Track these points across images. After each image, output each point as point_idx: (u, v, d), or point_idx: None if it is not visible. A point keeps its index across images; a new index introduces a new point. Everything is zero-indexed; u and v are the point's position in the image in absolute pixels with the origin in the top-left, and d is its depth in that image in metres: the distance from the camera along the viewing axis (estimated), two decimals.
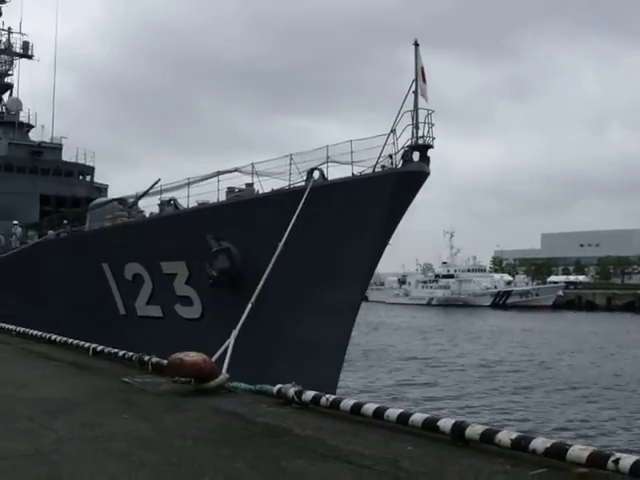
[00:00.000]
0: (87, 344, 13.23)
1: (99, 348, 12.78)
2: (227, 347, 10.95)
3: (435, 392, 27.80)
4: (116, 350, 12.22)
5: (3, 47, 47.30)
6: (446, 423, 5.95)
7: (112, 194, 38.45)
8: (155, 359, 10.68)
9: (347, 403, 7.02)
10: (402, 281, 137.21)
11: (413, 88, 15.67)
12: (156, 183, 22.49)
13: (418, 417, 6.26)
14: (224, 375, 9.11)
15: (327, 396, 7.47)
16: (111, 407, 7.87)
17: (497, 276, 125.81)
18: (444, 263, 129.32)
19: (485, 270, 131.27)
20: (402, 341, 49.45)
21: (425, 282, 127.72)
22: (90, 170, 41.52)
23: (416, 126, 15.66)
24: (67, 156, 41.77)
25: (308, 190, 16.02)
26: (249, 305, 13.15)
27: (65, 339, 14.65)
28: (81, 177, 41.06)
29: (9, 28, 49.32)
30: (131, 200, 24.42)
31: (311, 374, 14.37)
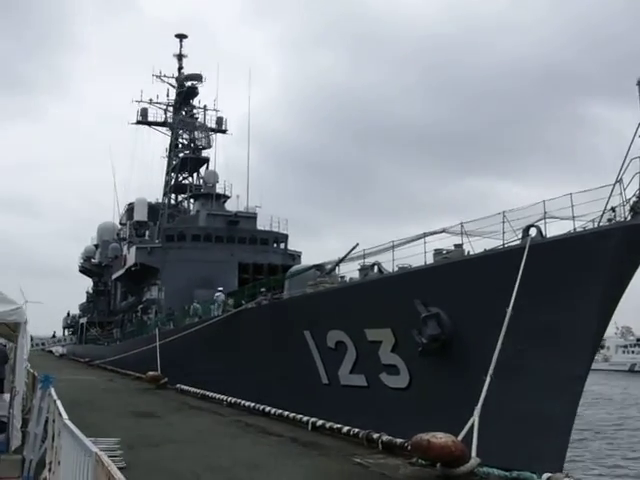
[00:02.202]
0: (305, 418, 12.62)
1: (319, 423, 12.11)
2: (472, 425, 9.78)
3: None
4: (339, 425, 11.47)
5: (200, 124, 49.87)
6: None
7: (303, 261, 38.90)
8: (386, 437, 9.81)
9: None
10: (600, 346, 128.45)
11: (639, 133, 14.20)
12: (354, 248, 22.01)
13: None
14: (475, 459, 8.06)
15: None
16: None
17: None
18: None
19: None
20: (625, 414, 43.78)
21: (626, 346, 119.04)
22: (284, 238, 42.30)
23: None
24: (261, 224, 42.92)
25: (527, 249, 14.76)
26: (488, 378, 11.88)
27: (280, 411, 14.14)
28: (275, 245, 41.81)
29: (204, 106, 52.15)
30: (329, 266, 24.03)
31: (536, 451, 13.00)
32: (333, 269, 23.81)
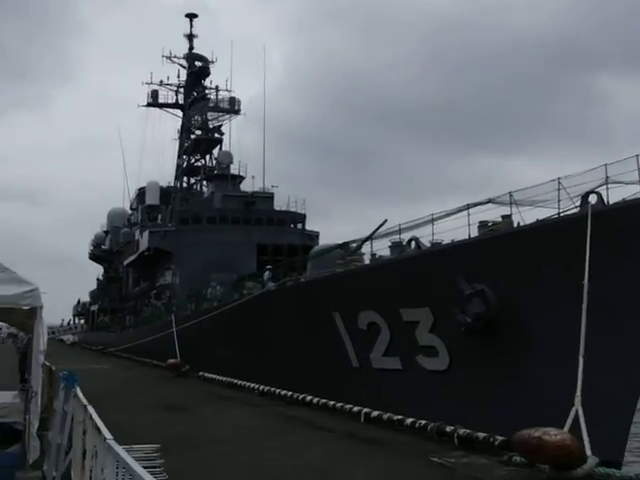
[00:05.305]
0: (356, 408, 11.33)
1: (374, 414, 10.79)
2: (576, 416, 8.39)
3: None
4: (400, 417, 10.14)
5: (212, 104, 48.68)
6: None
7: (320, 242, 37.57)
8: (463, 430, 8.47)
9: None
10: None
11: None
12: (382, 224, 20.72)
13: None
14: (593, 458, 6.72)
15: None
16: None
17: None
18: None
19: None
20: None
21: None
22: (302, 218, 41.26)
23: None
24: (277, 205, 41.91)
25: (590, 217, 13.32)
26: (581, 359, 10.46)
27: (325, 401, 12.82)
28: (293, 225, 40.68)
29: (217, 86, 50.87)
30: (354, 245, 22.71)
31: (594, 437, 11.69)
32: (360, 247, 22.49)
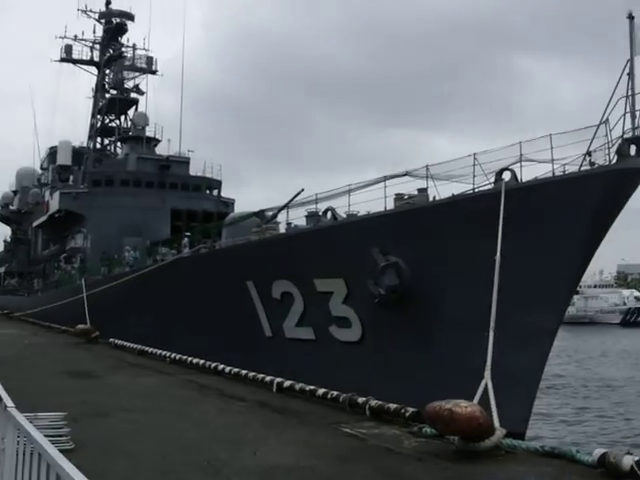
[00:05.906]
0: (269, 378, 11.27)
1: (287, 384, 10.76)
2: (485, 389, 8.55)
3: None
4: (312, 387, 10.15)
5: (128, 63, 47.39)
6: None
7: (236, 210, 37.24)
8: (374, 402, 8.53)
9: None
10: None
11: (627, 70, 13.14)
12: (299, 193, 20.64)
13: None
14: (501, 430, 6.83)
15: None
16: None
17: (626, 292, 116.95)
18: None
19: (612, 286, 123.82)
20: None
21: None
22: (217, 184, 40.78)
23: (632, 114, 13.10)
24: (193, 170, 41.25)
25: (503, 194, 13.58)
26: (491, 333, 10.63)
27: (237, 370, 12.73)
28: (208, 191, 40.22)
29: (134, 44, 49.47)
30: (269, 213, 22.60)
31: (501, 410, 12.04)
32: (275, 216, 22.40)
